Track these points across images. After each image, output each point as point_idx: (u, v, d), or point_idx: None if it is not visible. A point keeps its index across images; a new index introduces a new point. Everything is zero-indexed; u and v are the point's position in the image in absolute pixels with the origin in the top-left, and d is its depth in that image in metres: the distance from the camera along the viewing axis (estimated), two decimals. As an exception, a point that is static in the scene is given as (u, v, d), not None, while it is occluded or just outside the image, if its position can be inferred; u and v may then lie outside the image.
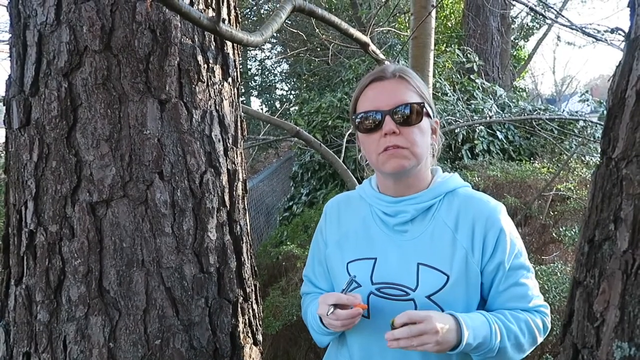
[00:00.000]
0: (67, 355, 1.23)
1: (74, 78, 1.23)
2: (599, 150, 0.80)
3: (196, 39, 1.35)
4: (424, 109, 1.07)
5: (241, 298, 1.45)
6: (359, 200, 1.22)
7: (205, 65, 1.37)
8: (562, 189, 3.51)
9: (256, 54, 14.23)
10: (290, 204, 6.05)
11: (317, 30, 4.99)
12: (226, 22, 1.44)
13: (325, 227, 1.25)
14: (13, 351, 1.28)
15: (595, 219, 0.78)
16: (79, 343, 1.23)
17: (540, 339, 1.10)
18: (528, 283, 1.09)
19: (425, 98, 1.10)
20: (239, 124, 1.51)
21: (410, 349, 0.95)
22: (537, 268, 2.33)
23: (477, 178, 3.85)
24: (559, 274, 2.27)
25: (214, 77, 1.40)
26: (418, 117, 1.06)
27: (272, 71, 14.26)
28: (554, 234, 2.99)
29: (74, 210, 1.23)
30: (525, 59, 11.10)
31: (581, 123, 5.14)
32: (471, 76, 6.49)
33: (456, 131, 4.98)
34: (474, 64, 6.66)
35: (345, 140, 3.49)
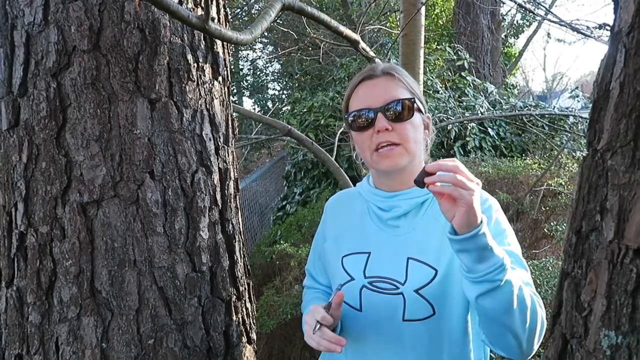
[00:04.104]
0: (60, 356, 1.23)
1: (63, 78, 1.22)
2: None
3: (186, 38, 1.35)
4: (415, 105, 1.09)
5: (234, 297, 1.45)
6: (358, 197, 1.23)
7: (195, 64, 1.36)
8: (553, 184, 3.53)
9: (248, 54, 14.22)
10: (284, 203, 6.04)
11: (308, 29, 4.98)
12: (215, 20, 1.44)
13: (325, 221, 1.28)
14: (5, 353, 1.28)
15: (582, 210, 0.79)
16: (71, 344, 1.22)
17: (539, 324, 0.94)
18: (517, 271, 0.98)
19: (416, 94, 1.12)
20: (229, 122, 1.51)
21: (449, 191, 0.83)
22: (529, 263, 2.34)
23: (469, 175, 3.86)
24: (550, 268, 2.29)
25: (204, 76, 1.40)
26: (410, 113, 1.07)
27: (264, 71, 14.24)
28: (545, 230, 3.01)
29: (64, 211, 1.22)
30: (516, 56, 11.16)
31: (571, 119, 5.18)
32: (462, 73, 6.52)
33: (448, 128, 5.00)
34: (465, 61, 6.70)
35: (337, 138, 3.49)
